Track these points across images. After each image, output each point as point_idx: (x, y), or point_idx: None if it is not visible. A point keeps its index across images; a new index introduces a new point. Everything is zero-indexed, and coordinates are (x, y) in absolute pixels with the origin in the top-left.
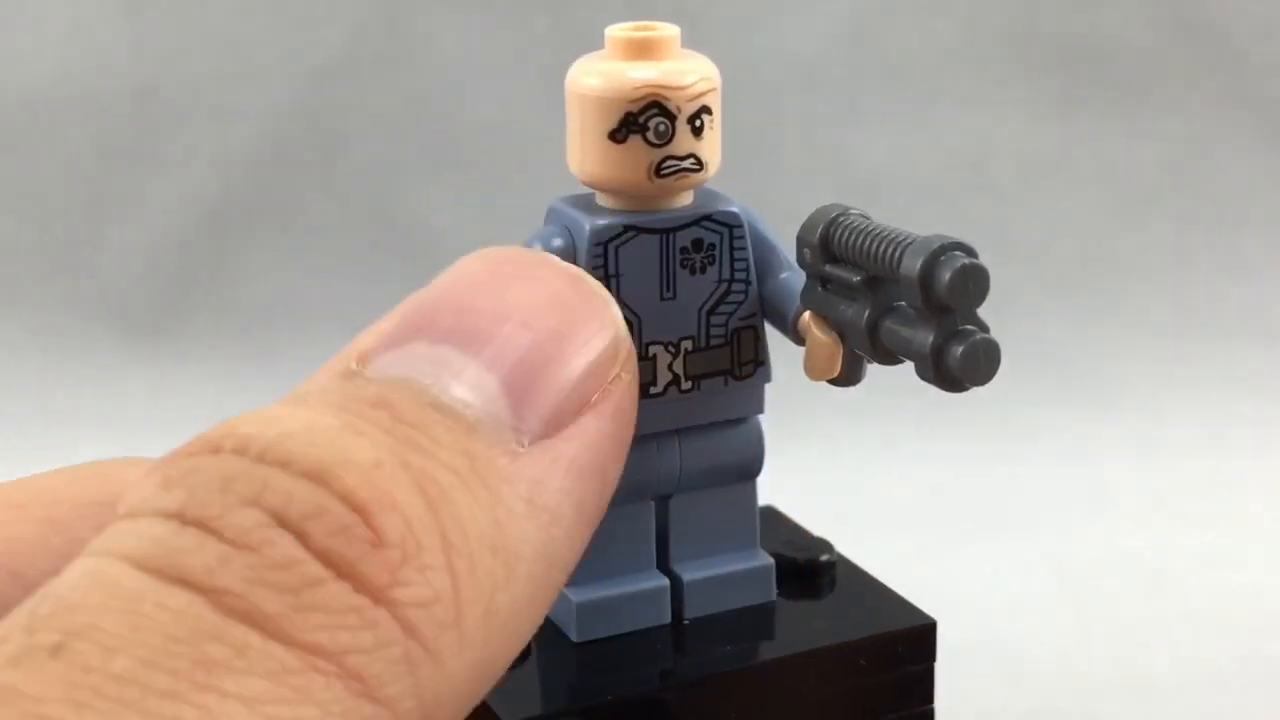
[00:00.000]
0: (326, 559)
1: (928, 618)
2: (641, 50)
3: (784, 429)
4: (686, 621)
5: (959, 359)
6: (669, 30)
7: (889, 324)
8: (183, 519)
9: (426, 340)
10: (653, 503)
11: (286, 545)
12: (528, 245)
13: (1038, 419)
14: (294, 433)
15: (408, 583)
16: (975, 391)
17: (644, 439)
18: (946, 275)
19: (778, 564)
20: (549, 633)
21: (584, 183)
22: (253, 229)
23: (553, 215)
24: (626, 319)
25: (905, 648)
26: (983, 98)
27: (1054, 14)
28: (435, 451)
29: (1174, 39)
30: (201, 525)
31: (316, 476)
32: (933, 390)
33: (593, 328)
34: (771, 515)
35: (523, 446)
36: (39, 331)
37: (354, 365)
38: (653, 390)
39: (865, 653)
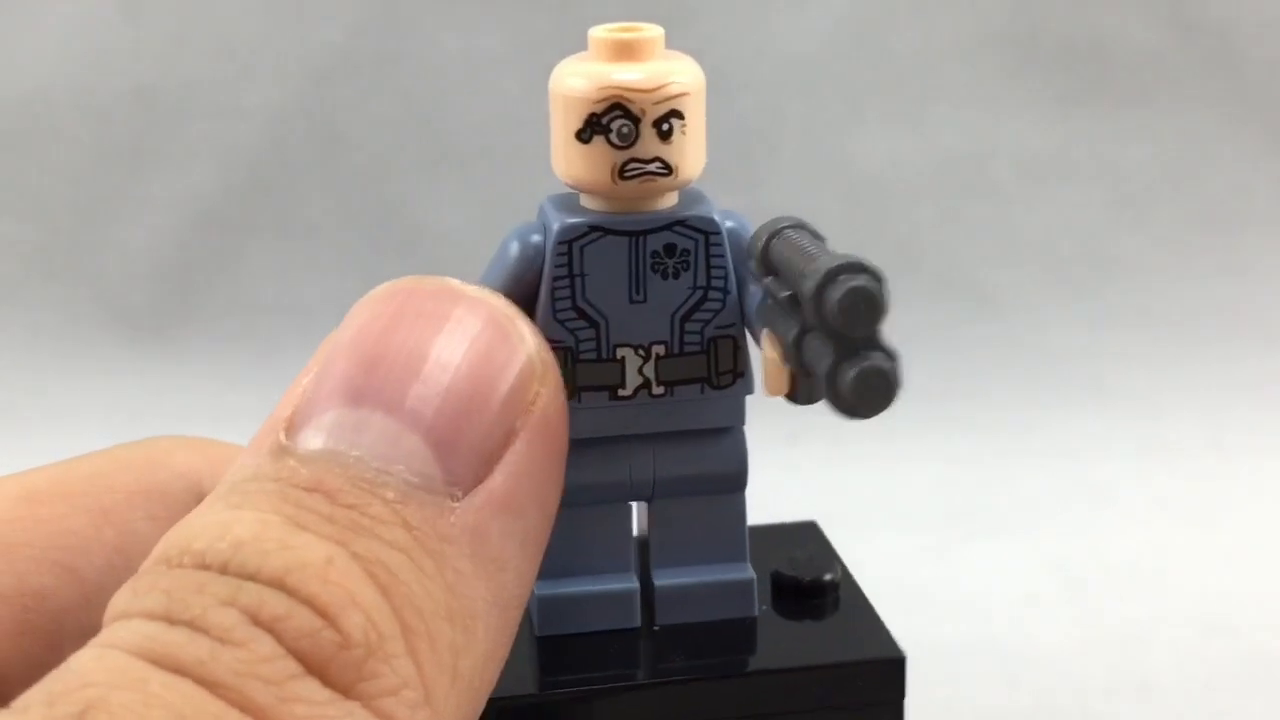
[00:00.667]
0: (301, 658)
1: (897, 651)
2: (621, 52)
3: (784, 429)
4: (656, 628)
5: (849, 384)
6: (651, 31)
7: (811, 341)
8: (169, 619)
9: (345, 403)
10: (631, 505)
11: (266, 643)
12: (509, 240)
13: (1038, 419)
14: (245, 541)
15: (375, 675)
16: (975, 391)
17: (615, 441)
18: (835, 297)
19: (780, 580)
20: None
21: (564, 182)
22: (253, 229)
23: (540, 212)
24: (592, 319)
25: (868, 680)
26: (983, 98)
27: (1054, 14)
28: (377, 530)
29: (1174, 39)
30: (188, 624)
31: (279, 584)
32: (933, 390)
33: (505, 353)
34: (806, 531)
35: (457, 500)
36: (39, 331)
37: (282, 438)
38: (621, 393)
39: (823, 680)
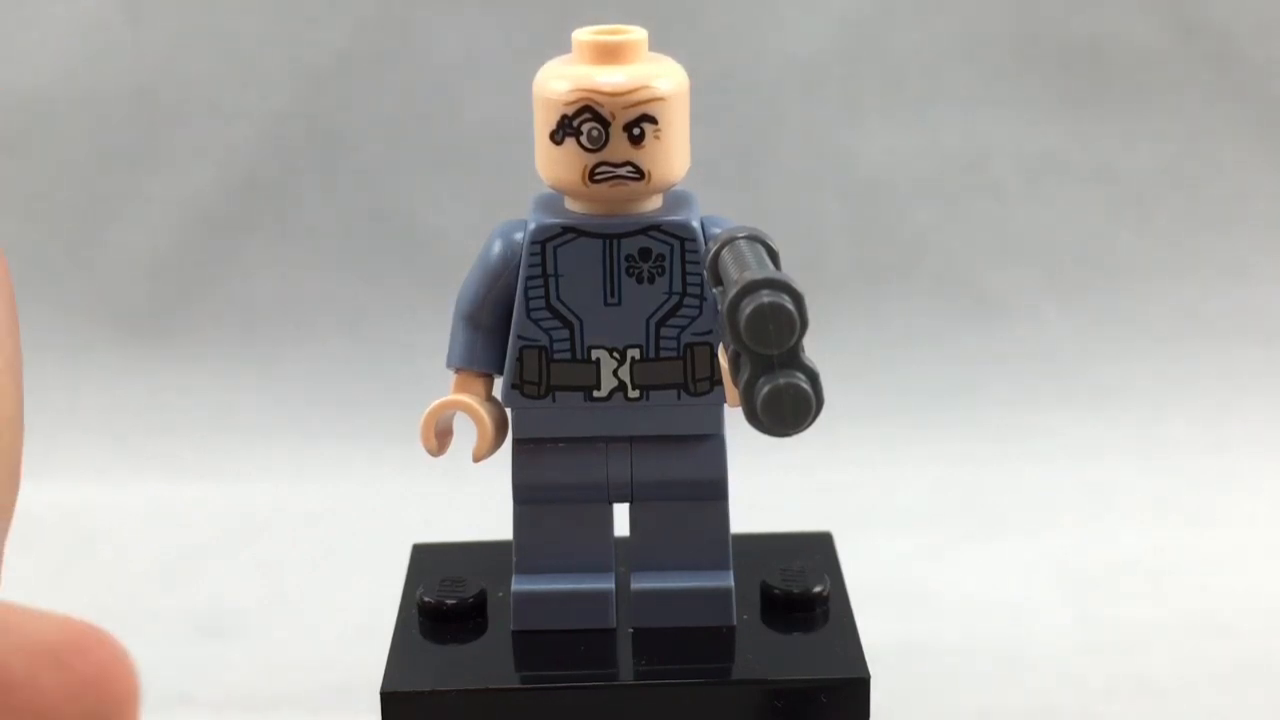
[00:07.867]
0: None
1: (862, 670)
2: (600, 54)
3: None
4: (630, 631)
5: (761, 401)
6: (633, 34)
7: (741, 356)
8: None
9: None
10: (613, 507)
11: None
12: (493, 237)
13: (1038, 419)
14: None
15: None
16: (974, 391)
17: (593, 440)
18: (745, 314)
19: (766, 591)
20: (498, 619)
21: (544, 183)
22: (253, 229)
23: (530, 208)
24: (566, 319)
25: (830, 699)
26: (983, 98)
27: (1054, 14)
28: None
29: (1174, 39)
30: None
31: None
32: (932, 390)
33: None
34: (817, 541)
35: None
36: (39, 331)
37: None
38: (596, 394)
39: (781, 695)
